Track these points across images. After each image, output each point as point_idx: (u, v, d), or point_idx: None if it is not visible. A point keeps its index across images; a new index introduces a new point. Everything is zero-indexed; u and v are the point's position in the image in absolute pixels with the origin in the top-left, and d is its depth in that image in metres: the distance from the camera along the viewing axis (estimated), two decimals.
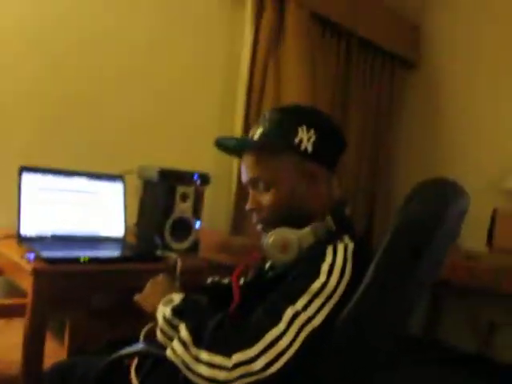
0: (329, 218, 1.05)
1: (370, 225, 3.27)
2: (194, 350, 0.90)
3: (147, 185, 1.76)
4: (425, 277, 0.98)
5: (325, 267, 0.94)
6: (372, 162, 3.27)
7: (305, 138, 1.06)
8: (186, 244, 1.68)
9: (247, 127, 2.53)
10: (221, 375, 0.86)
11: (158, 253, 1.52)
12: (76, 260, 1.39)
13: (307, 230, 1.04)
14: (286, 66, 2.56)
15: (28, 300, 1.34)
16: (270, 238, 1.04)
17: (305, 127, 1.06)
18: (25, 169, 1.62)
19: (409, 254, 0.90)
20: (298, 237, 1.03)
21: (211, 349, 0.89)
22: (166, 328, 0.97)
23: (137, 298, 1.15)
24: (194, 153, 2.43)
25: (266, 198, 1.08)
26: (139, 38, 2.29)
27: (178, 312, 0.97)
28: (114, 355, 1.08)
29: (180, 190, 1.67)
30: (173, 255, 1.49)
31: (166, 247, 1.62)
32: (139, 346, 1.09)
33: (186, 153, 2.40)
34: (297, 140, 1.05)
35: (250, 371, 0.86)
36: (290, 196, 1.06)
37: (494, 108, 3.11)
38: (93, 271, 1.41)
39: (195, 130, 2.51)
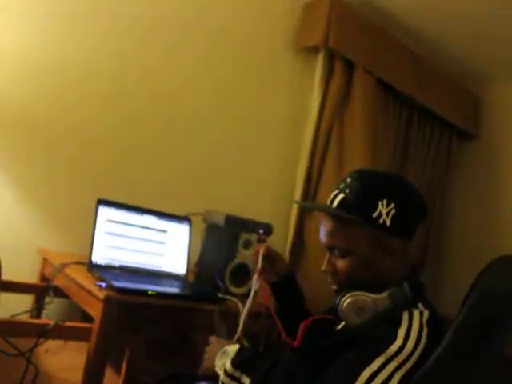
0: (406, 285, 1.05)
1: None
2: None
3: (212, 228, 1.84)
4: (500, 349, 0.96)
5: (402, 332, 0.95)
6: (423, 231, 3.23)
7: (384, 211, 1.06)
8: (244, 289, 1.74)
9: (309, 182, 2.64)
10: None
11: (220, 295, 1.59)
12: (144, 292, 1.47)
13: (384, 295, 1.04)
14: (350, 128, 2.64)
15: (95, 325, 1.41)
16: (346, 301, 1.04)
17: (385, 201, 1.06)
18: (102, 202, 1.75)
19: (486, 327, 0.91)
20: (374, 300, 1.03)
21: None
22: (229, 381, 1.00)
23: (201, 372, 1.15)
24: (255, 201, 2.55)
25: (342, 265, 1.10)
26: (213, 91, 2.46)
27: (238, 365, 1.00)
28: None
29: (244, 237, 1.75)
30: (233, 299, 1.55)
31: (226, 290, 1.68)
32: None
33: (247, 201, 2.50)
34: (375, 214, 1.06)
35: None
36: (364, 266, 1.08)
37: None
38: (158, 305, 1.48)
39: (258, 181, 2.63)
